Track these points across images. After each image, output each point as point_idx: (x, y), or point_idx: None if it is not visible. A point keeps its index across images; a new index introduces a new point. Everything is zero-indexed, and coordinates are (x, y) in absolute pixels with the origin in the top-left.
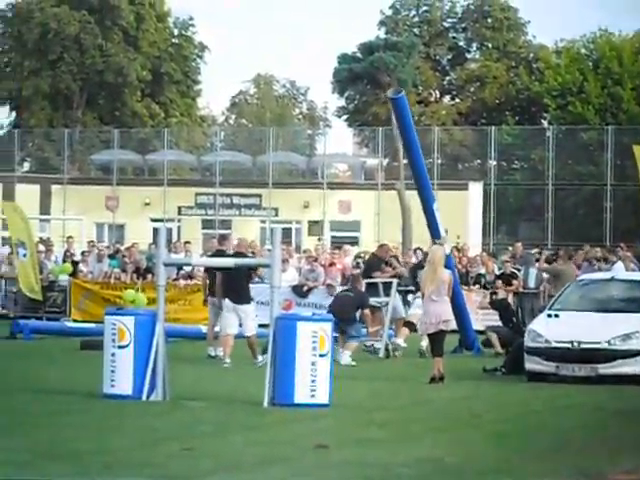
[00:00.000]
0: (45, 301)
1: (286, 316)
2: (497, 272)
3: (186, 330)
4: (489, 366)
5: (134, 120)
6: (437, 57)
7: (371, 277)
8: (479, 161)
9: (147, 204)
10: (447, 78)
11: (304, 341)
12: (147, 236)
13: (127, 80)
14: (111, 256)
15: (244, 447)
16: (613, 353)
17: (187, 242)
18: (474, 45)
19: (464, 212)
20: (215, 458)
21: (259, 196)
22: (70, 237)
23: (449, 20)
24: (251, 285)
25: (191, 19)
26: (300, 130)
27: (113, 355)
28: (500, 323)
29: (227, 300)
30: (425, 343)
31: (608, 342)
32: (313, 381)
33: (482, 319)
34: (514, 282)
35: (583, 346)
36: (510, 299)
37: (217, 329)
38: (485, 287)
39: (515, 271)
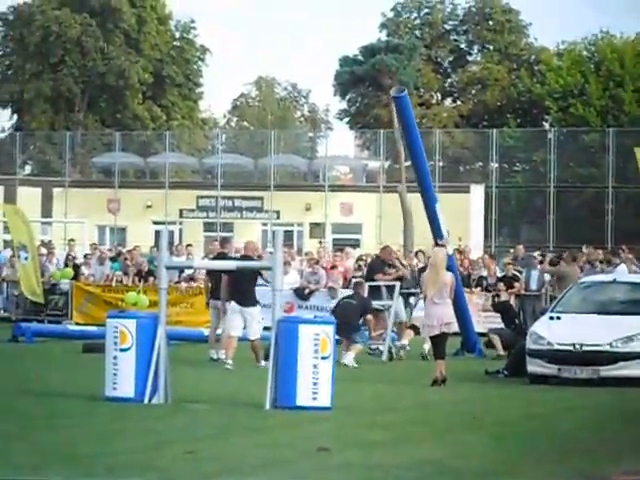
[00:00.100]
0: (47, 304)
1: (288, 319)
2: (499, 274)
3: (188, 333)
4: (491, 368)
5: (136, 123)
6: (438, 59)
7: (374, 279)
8: (481, 163)
9: (149, 207)
10: (448, 80)
11: (306, 344)
12: (149, 239)
13: (129, 83)
14: (113, 259)
15: (246, 450)
16: (615, 355)
17: (189, 245)
18: (475, 47)
19: (466, 214)
20: (218, 461)
21: (261, 199)
22: (72, 240)
23: (450, 22)
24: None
25: (192, 22)
26: (302, 133)
27: (115, 358)
28: (502, 325)
29: (233, 302)
30: (427, 346)
31: (610, 344)
32: (315, 384)
33: (484, 321)
34: (516, 284)
35: (585, 348)
36: (512, 301)
37: (219, 332)
38: (487, 289)
39: (517, 273)
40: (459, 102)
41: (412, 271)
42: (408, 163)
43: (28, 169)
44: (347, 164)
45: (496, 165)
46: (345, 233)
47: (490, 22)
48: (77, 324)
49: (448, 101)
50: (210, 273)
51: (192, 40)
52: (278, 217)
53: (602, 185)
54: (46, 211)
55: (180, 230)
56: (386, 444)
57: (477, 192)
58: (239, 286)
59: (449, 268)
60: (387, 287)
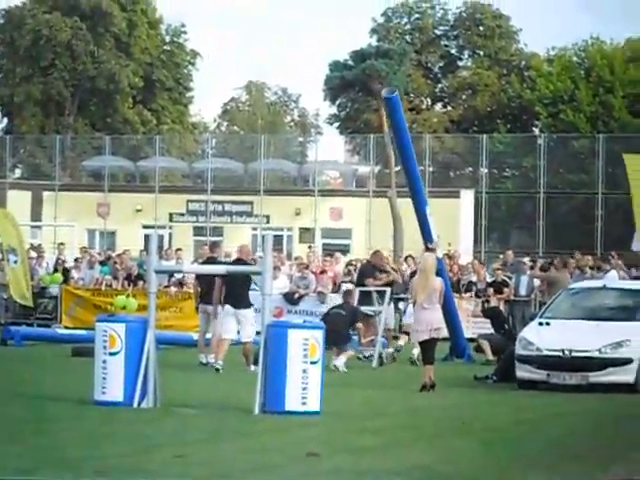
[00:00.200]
0: (36, 308)
1: (277, 323)
2: (488, 280)
3: (177, 337)
4: (480, 374)
5: (126, 127)
6: (429, 65)
7: (364, 285)
8: (471, 169)
9: (138, 211)
10: (439, 86)
11: (295, 348)
12: (138, 243)
13: (119, 87)
14: (102, 263)
15: (235, 454)
16: (604, 361)
17: (178, 249)
18: (466, 53)
19: (455, 220)
20: (207, 465)
21: (250, 203)
22: (61, 244)
23: (441, 28)
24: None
25: (183, 26)
26: (292, 137)
27: (104, 362)
28: (492, 331)
29: (227, 305)
30: (416, 351)
31: (599, 350)
32: (304, 388)
33: (473, 327)
34: (505, 290)
35: (574, 354)
36: (501, 307)
37: (208, 336)
38: (477, 295)
39: (506, 279)
40: (449, 107)
41: (402, 276)
42: (398, 168)
43: (18, 172)
44: (337, 169)
45: (486, 170)
46: (335, 238)
47: (480, 28)
48: (66, 328)
49: (438, 106)
50: (199, 278)
51: (182, 44)
52: (268, 222)
53: (592, 191)
54: (36, 215)
55: (170, 234)
56: (375, 449)
57: (467, 197)
58: (233, 289)
59: (439, 273)
60: (378, 292)
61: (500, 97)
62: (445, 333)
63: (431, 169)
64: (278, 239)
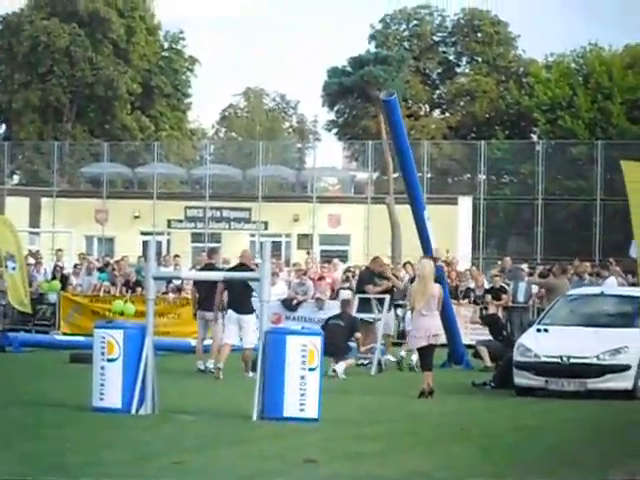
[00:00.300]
0: (34, 314)
1: (275, 330)
2: (486, 286)
3: (175, 344)
4: (478, 380)
5: (124, 133)
6: (427, 71)
7: (364, 291)
8: (469, 175)
9: (137, 217)
10: (437, 92)
11: (293, 355)
12: (136, 249)
13: (117, 93)
14: (100, 269)
15: (233, 461)
16: (602, 368)
17: (176, 255)
18: (464, 59)
19: (453, 226)
20: (205, 472)
21: (249, 209)
22: (59, 250)
23: (439, 34)
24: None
25: (181, 32)
26: (290, 144)
27: (102, 368)
28: (490, 337)
29: (230, 311)
30: (415, 357)
31: (597, 357)
32: (302, 395)
33: (472, 333)
34: (503, 296)
35: (572, 361)
36: (499, 313)
37: (207, 342)
38: (475, 302)
39: (504, 285)
40: (447, 114)
41: (401, 282)
42: (396, 175)
43: (16, 179)
44: (335, 175)
45: (484, 177)
46: (333, 244)
47: (479, 34)
48: (65, 334)
49: (436, 113)
50: (197, 284)
51: (181, 51)
52: (266, 228)
53: (590, 198)
54: (34, 221)
55: (168, 241)
56: (374, 455)
57: (465, 204)
58: (235, 294)
59: (437, 280)
60: (377, 299)
61: (498, 103)
62: (443, 339)
63: (429, 175)
64: (276, 245)
